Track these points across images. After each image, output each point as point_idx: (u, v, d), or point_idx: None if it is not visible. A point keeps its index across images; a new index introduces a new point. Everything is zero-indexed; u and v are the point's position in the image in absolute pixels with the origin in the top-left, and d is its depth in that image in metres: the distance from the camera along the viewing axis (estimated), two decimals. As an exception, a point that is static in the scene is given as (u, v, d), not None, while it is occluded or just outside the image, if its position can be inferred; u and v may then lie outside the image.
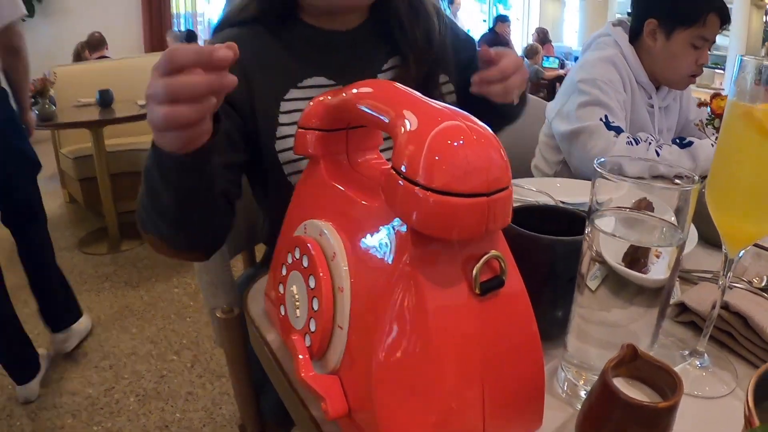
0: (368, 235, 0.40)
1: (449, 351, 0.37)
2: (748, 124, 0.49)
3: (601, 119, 1.31)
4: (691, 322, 0.65)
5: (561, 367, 0.54)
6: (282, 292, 0.48)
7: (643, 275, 0.47)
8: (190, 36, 5.45)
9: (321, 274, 0.42)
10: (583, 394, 0.50)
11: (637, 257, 0.47)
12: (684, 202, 0.46)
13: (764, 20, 7.07)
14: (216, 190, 0.65)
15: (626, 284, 0.48)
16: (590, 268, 0.49)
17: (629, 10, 1.59)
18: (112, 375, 2.09)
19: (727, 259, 0.55)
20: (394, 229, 0.38)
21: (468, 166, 0.34)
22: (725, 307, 0.61)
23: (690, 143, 1.29)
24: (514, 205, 0.41)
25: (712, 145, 1.25)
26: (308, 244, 0.44)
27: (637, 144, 1.28)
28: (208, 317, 2.43)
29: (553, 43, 8.26)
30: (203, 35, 7.50)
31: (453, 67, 0.97)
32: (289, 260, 0.47)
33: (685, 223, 0.47)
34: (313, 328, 0.43)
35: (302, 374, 0.41)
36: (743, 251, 0.54)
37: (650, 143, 1.29)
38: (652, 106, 1.49)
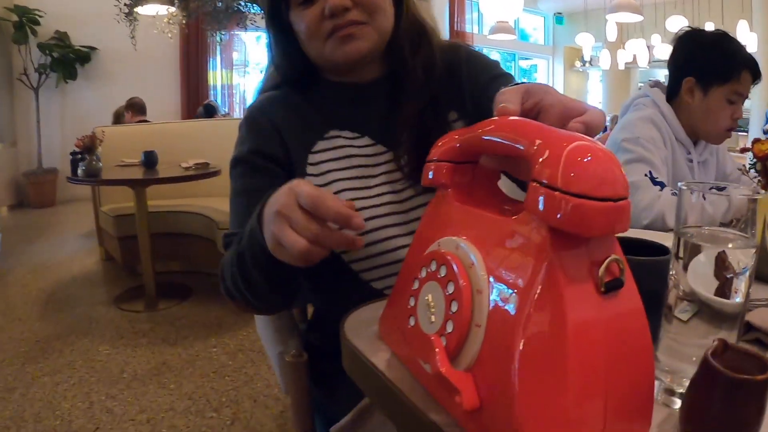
0: (504, 244, 0.46)
1: (582, 345, 0.41)
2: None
3: (645, 175, 1.36)
4: (756, 340, 0.68)
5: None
6: (413, 304, 0.53)
7: (731, 302, 0.52)
8: (208, 109, 5.76)
9: (460, 280, 0.47)
10: (678, 395, 0.53)
11: (722, 287, 0.52)
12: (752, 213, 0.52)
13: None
14: None
15: (714, 314, 0.53)
16: (677, 304, 0.54)
17: (650, 79, 1.68)
18: (149, 429, 2.09)
19: None
20: (530, 236, 0.44)
21: (598, 177, 0.41)
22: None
23: (725, 188, 1.33)
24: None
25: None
26: (447, 257, 0.50)
27: (681, 195, 1.32)
28: (246, 377, 2.47)
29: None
30: (237, 107, 7.81)
31: (469, 103, 0.97)
32: (423, 274, 0.52)
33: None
34: (449, 329, 0.47)
35: (441, 368, 0.45)
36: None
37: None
38: (691, 161, 1.54)
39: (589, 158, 0.41)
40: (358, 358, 0.61)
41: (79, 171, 3.15)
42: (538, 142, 0.44)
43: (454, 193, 0.57)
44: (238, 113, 7.60)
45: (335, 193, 0.88)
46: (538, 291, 0.41)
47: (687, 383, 0.49)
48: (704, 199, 1.33)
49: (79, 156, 3.19)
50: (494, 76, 0.96)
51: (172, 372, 2.50)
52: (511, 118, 0.52)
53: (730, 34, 1.53)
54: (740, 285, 0.52)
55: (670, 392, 0.54)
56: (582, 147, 0.42)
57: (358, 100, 0.95)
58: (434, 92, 0.93)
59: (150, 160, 3.38)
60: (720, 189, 1.36)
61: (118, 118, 5.40)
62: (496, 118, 0.53)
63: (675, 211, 1.27)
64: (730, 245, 0.53)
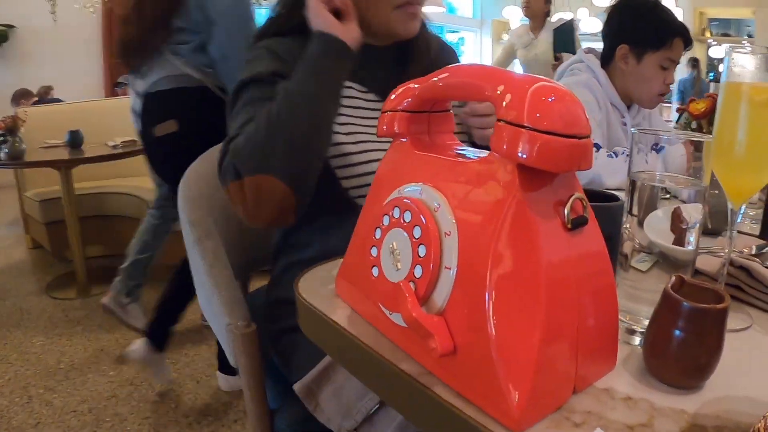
0: (468, 186, 0.46)
1: (554, 283, 0.41)
2: (741, 98, 0.60)
3: (582, 136, 1.39)
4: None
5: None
6: (375, 254, 0.52)
7: (688, 249, 0.55)
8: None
9: (426, 223, 0.46)
10: (638, 334, 0.55)
11: (679, 238, 0.55)
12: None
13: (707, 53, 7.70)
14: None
15: (670, 263, 0.56)
16: (633, 255, 0.57)
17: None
18: (92, 419, 2.01)
19: (732, 212, 0.63)
20: (497, 176, 0.43)
21: (564, 115, 0.41)
22: (730, 263, 0.67)
23: (662, 148, 1.38)
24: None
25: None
26: (411, 202, 0.49)
27: (616, 156, 1.36)
28: (187, 357, 2.41)
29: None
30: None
31: None
32: (385, 222, 0.51)
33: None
34: (418, 274, 0.46)
35: (413, 312, 0.44)
36: (744, 206, 0.63)
37: (627, 155, 1.37)
38: (625, 124, 1.59)
39: (553, 98, 0.42)
40: (316, 316, 0.60)
41: (2, 154, 2.96)
42: (500, 85, 0.44)
43: (411, 141, 0.57)
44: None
45: (349, 133, 0.94)
46: (508, 230, 0.41)
47: (646, 322, 0.50)
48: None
49: (1, 138, 2.99)
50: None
51: (111, 358, 2.42)
52: (466, 64, 0.53)
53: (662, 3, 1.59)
54: (691, 237, 0.55)
55: (631, 331, 0.56)
56: (545, 87, 0.42)
57: (370, 60, 1.00)
58: (432, 62, 1.01)
59: (75, 139, 3.21)
60: (656, 146, 1.44)
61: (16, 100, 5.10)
62: (450, 66, 0.54)
63: (611, 171, 1.33)
64: (683, 191, 0.56)
